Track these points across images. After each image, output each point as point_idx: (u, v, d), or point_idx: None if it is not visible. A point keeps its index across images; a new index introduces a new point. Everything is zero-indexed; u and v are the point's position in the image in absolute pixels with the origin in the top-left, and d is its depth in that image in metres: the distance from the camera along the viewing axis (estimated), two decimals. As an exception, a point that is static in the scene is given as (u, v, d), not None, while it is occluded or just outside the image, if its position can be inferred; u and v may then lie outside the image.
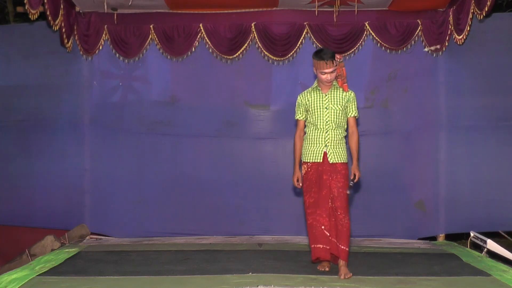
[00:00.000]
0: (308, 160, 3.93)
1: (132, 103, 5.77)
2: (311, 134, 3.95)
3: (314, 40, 5.55)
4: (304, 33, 5.57)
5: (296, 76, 5.69)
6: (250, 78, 5.74)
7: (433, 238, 5.58)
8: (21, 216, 5.74)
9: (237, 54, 5.63)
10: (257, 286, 3.38)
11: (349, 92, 3.96)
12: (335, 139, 3.90)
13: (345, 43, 5.57)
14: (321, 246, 3.87)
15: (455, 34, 5.29)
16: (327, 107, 3.90)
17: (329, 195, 3.85)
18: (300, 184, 3.95)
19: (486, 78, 5.53)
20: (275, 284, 3.42)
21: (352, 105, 3.96)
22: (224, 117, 5.73)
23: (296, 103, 4.05)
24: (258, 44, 5.60)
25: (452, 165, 5.55)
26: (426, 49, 5.48)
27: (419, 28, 5.51)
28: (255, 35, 5.58)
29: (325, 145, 3.89)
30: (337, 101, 3.91)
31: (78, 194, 5.69)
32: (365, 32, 5.54)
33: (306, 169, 3.94)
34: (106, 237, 5.64)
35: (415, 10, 5.49)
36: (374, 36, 5.54)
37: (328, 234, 3.84)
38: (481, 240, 4.64)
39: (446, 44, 5.46)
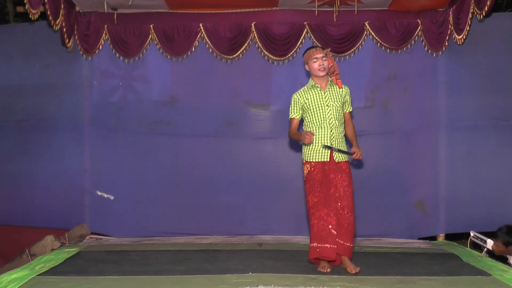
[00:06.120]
0: (313, 160, 3.90)
1: (132, 103, 5.77)
2: (315, 134, 3.88)
3: (314, 40, 5.55)
4: (304, 33, 5.57)
5: (296, 76, 5.68)
6: (250, 78, 5.74)
7: (433, 238, 5.58)
8: (21, 215, 5.74)
9: (237, 54, 5.63)
10: (257, 286, 3.37)
11: (345, 88, 4.01)
12: (339, 137, 3.92)
13: (345, 43, 5.56)
14: (328, 245, 3.79)
15: (455, 34, 5.30)
16: (328, 104, 3.91)
17: (336, 194, 3.84)
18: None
19: (486, 78, 5.53)
20: (275, 284, 3.42)
21: (348, 100, 4.03)
22: (224, 117, 5.73)
23: (292, 102, 4.04)
24: (258, 44, 5.60)
25: (452, 164, 5.55)
26: None
27: (419, 28, 5.51)
28: (255, 35, 5.58)
29: (331, 144, 3.86)
30: (336, 98, 3.94)
31: (78, 194, 5.69)
32: (365, 32, 5.54)
33: (309, 168, 3.92)
34: (106, 237, 5.64)
35: (415, 10, 5.49)
36: (374, 36, 5.54)
37: (336, 233, 3.79)
38: (481, 240, 4.64)
39: (446, 44, 5.47)
